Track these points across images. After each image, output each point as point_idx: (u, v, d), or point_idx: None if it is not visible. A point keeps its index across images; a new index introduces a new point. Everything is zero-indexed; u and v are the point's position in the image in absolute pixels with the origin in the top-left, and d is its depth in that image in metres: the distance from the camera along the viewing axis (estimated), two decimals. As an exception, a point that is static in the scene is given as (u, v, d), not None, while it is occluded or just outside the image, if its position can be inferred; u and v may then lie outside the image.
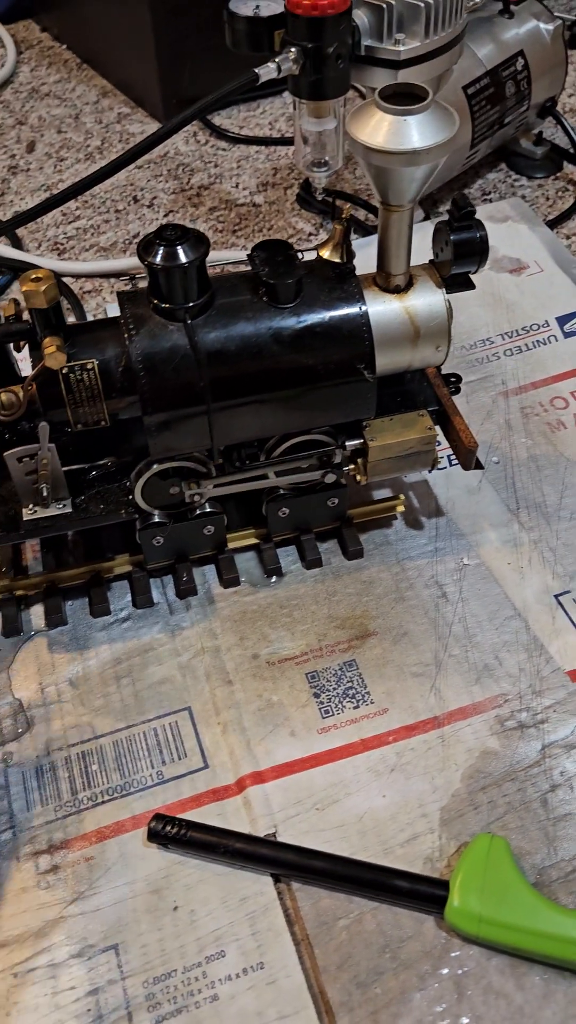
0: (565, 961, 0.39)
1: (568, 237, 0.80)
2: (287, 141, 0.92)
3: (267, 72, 0.63)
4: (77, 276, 0.78)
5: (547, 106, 0.83)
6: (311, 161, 0.73)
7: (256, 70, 0.63)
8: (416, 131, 0.40)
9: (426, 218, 0.80)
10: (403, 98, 0.41)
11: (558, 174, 0.86)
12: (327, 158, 0.73)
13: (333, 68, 0.64)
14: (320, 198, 0.78)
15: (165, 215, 0.85)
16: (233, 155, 0.92)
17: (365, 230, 0.80)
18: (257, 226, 0.83)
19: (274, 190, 0.87)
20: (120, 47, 0.98)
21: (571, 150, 0.84)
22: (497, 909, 0.40)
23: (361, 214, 0.82)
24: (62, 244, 0.82)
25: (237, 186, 0.88)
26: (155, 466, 0.49)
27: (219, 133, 0.94)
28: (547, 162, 0.86)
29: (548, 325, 0.69)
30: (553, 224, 0.80)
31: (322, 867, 0.42)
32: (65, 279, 0.77)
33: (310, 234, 0.82)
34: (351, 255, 0.46)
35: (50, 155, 0.93)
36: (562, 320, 0.69)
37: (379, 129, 0.41)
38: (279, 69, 0.63)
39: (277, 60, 0.63)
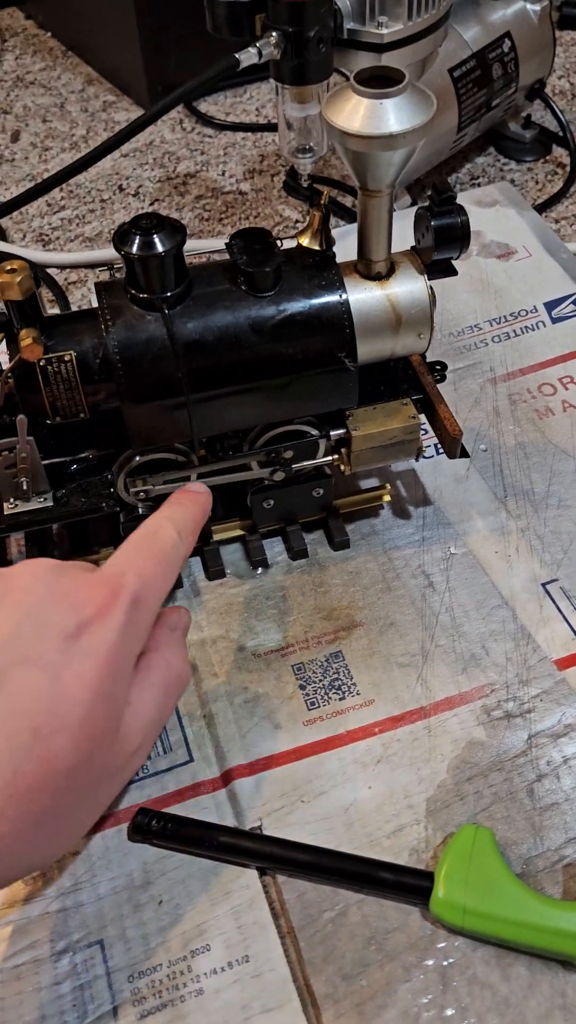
0: (550, 951, 0.39)
1: (557, 221, 0.79)
2: (274, 127, 0.91)
3: (248, 57, 0.63)
4: (62, 267, 0.78)
5: (535, 88, 0.82)
6: (296, 147, 0.72)
7: (236, 55, 0.63)
8: (393, 115, 0.40)
9: (413, 204, 0.79)
10: (379, 81, 0.40)
11: (547, 157, 0.85)
12: (312, 144, 0.72)
13: (315, 52, 0.63)
14: (306, 185, 0.77)
15: (151, 204, 0.84)
16: (220, 142, 0.91)
17: (352, 216, 0.79)
18: (243, 214, 0.82)
19: (261, 177, 0.86)
20: (105, 34, 0.97)
21: (560, 133, 0.84)
22: (482, 900, 0.40)
23: (348, 201, 0.81)
24: (47, 235, 0.81)
25: (223, 174, 0.87)
26: (137, 458, 0.48)
27: (205, 120, 0.93)
28: (536, 145, 0.86)
29: (536, 311, 0.68)
30: (542, 208, 0.79)
31: (307, 860, 0.42)
32: (50, 270, 0.77)
33: (296, 221, 0.81)
34: (331, 242, 0.45)
35: (35, 145, 0.92)
36: (550, 305, 0.68)
37: (355, 113, 0.40)
38: (260, 54, 0.63)
39: (258, 45, 0.62)
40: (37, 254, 0.78)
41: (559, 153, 0.86)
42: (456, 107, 0.75)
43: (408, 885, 0.41)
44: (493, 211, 0.76)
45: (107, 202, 0.84)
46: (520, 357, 0.65)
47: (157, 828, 0.43)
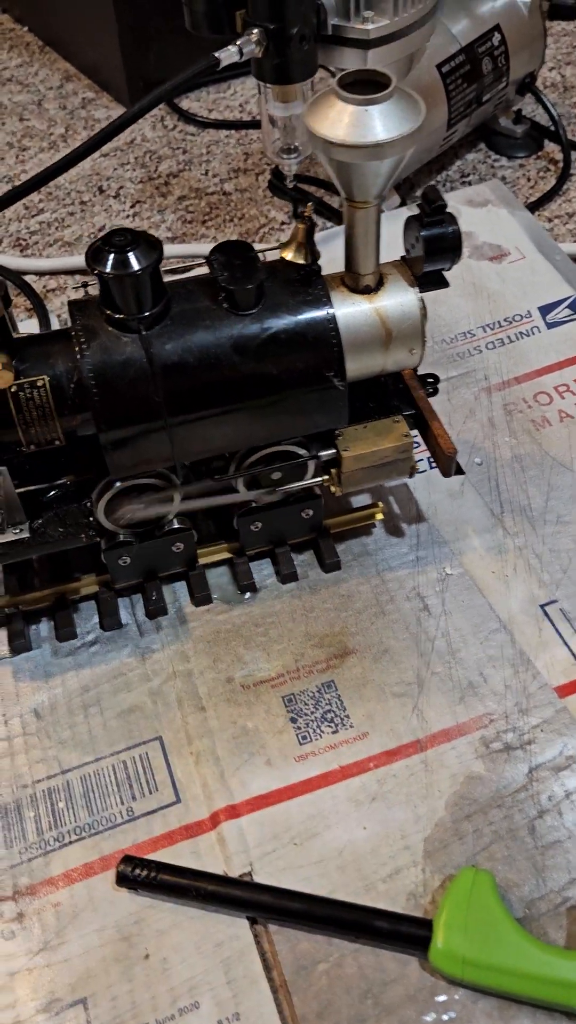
0: (553, 1003, 0.37)
1: (550, 220, 0.76)
2: (258, 124, 0.88)
3: (228, 56, 0.60)
4: (40, 274, 0.75)
5: (526, 82, 0.80)
6: (280, 147, 0.70)
7: (217, 54, 0.60)
8: (380, 122, 0.37)
9: (402, 204, 0.76)
10: (364, 86, 0.38)
11: (539, 153, 0.83)
12: (297, 143, 0.69)
13: (298, 50, 0.61)
14: (291, 186, 0.75)
15: (132, 206, 0.81)
16: (203, 140, 0.88)
17: (339, 217, 0.77)
18: (228, 215, 0.80)
19: (245, 176, 0.83)
20: (83, 29, 0.94)
21: (552, 127, 0.81)
22: (482, 950, 0.38)
23: (336, 201, 0.79)
24: (25, 240, 0.78)
25: (207, 173, 0.84)
26: (117, 484, 0.46)
27: (187, 118, 0.90)
28: (528, 141, 0.83)
29: (531, 316, 0.66)
30: (534, 207, 0.77)
31: (299, 908, 0.40)
32: (28, 277, 0.74)
33: (283, 223, 0.79)
34: (316, 255, 0.43)
35: (12, 144, 0.89)
36: (545, 310, 0.66)
37: (339, 121, 0.37)
38: (241, 52, 0.60)
39: (239, 43, 0.60)
40: (14, 260, 0.75)
41: (551, 148, 0.83)
42: (445, 104, 0.73)
43: (405, 934, 0.39)
44: (485, 211, 0.73)
45: (87, 204, 0.82)
46: (515, 364, 0.63)
47: (143, 877, 0.41)
